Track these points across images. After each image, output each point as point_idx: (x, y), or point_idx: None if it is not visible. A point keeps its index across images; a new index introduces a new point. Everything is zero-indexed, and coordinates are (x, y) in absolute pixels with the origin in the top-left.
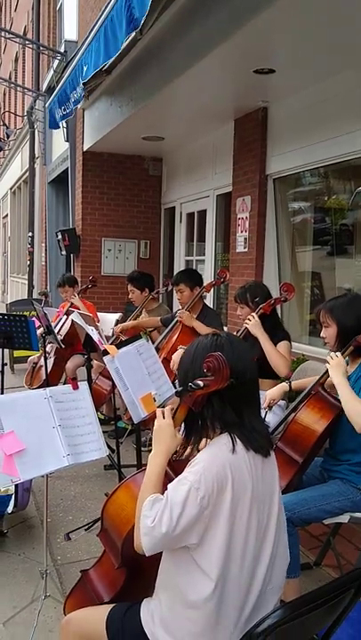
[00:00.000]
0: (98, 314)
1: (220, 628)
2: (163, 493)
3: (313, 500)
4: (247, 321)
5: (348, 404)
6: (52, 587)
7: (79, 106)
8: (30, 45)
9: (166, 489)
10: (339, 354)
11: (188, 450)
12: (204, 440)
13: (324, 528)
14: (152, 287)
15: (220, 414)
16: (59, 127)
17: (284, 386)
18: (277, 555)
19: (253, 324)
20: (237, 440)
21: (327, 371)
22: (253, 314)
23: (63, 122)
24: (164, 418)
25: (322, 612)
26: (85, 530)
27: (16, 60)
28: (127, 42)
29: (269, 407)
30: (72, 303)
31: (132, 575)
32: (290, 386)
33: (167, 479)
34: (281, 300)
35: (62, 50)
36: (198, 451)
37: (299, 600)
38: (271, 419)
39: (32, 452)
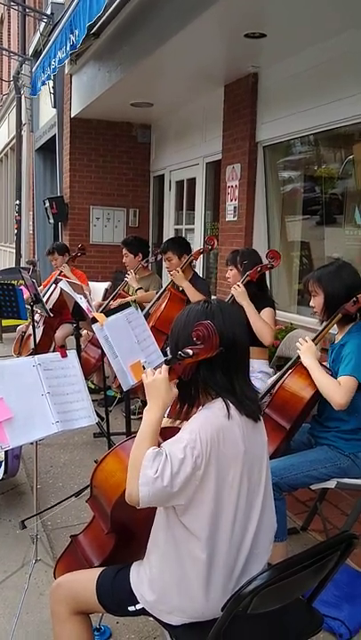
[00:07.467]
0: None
1: (209, 589)
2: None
3: (300, 466)
4: (234, 289)
5: (322, 385)
6: (42, 551)
7: (67, 71)
8: (16, 7)
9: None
10: (308, 338)
11: (183, 415)
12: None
13: (311, 493)
14: (145, 252)
15: (212, 381)
16: (36, 94)
17: None
18: (264, 519)
19: (239, 293)
20: (231, 405)
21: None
22: (239, 282)
23: (50, 88)
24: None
25: (308, 574)
26: (76, 496)
27: (1, 22)
28: (115, 4)
29: None
30: (61, 272)
31: (122, 540)
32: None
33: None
34: (267, 267)
35: (49, 12)
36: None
37: (285, 562)
38: (258, 386)
39: (21, 419)
